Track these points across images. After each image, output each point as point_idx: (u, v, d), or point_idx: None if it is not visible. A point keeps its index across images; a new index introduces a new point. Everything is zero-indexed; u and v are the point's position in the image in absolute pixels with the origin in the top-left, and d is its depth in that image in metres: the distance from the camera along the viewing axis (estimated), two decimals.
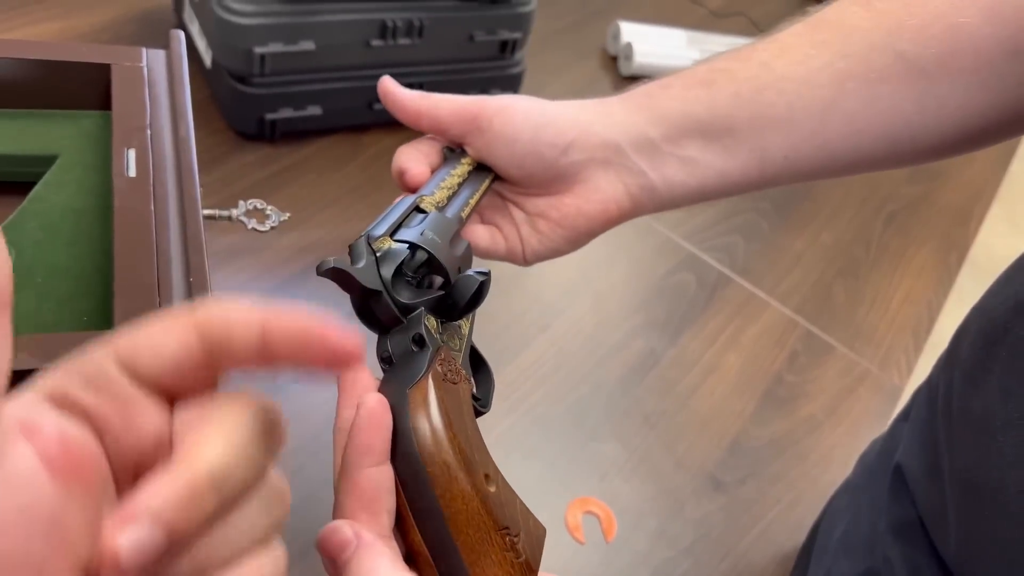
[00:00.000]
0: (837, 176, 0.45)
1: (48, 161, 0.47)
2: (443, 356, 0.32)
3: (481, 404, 0.35)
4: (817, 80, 0.41)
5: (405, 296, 0.33)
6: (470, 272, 0.33)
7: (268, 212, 0.48)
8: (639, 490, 0.68)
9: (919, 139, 0.42)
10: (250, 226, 0.48)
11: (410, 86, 0.95)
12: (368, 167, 0.86)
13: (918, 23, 0.40)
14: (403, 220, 0.36)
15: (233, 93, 0.80)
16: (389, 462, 0.29)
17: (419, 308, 0.33)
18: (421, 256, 0.34)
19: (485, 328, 0.75)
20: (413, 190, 0.40)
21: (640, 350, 0.79)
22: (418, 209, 0.37)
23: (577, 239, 0.43)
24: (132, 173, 0.43)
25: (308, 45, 0.78)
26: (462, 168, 0.42)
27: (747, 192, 0.44)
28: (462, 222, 0.39)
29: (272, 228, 0.48)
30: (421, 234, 0.34)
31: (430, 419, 0.29)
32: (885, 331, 0.90)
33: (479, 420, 0.34)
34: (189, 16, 0.85)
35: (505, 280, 0.80)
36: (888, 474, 0.49)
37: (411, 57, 0.84)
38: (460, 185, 0.41)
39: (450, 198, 0.40)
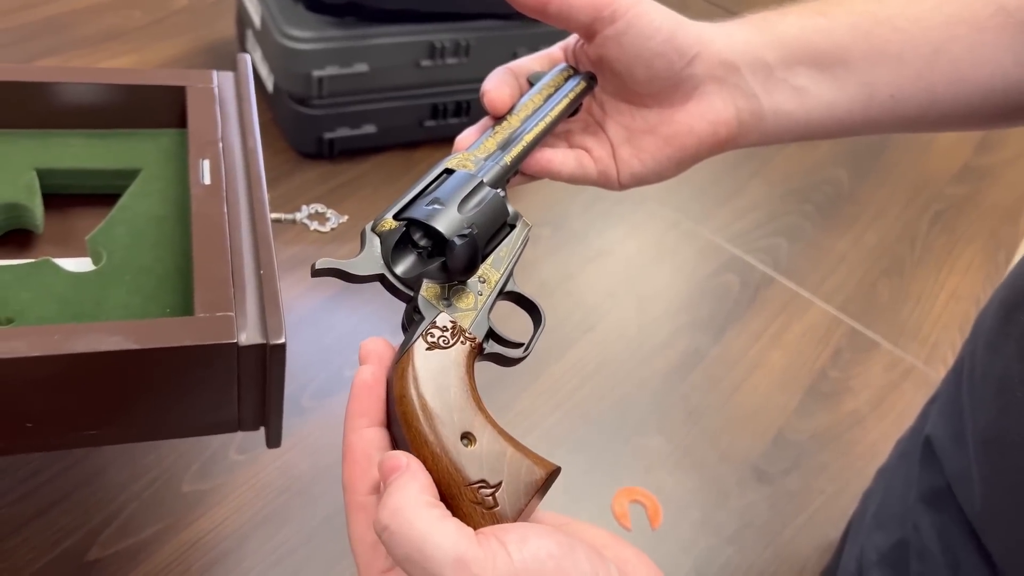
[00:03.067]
0: (932, 128, 0.44)
1: (132, 174, 0.52)
2: (438, 323, 0.34)
3: (515, 349, 0.36)
4: (929, 21, 0.41)
5: (406, 270, 0.35)
6: (453, 238, 0.33)
7: (328, 215, 0.53)
8: (683, 481, 0.71)
9: (1011, 94, 0.42)
10: (312, 227, 0.52)
11: (458, 104, 0.99)
12: None
13: None
14: (424, 189, 0.37)
15: (294, 115, 0.85)
16: (381, 426, 0.32)
17: (421, 280, 0.34)
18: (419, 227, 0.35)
19: (530, 327, 0.79)
20: (495, 115, 0.40)
21: (684, 349, 0.81)
22: (448, 171, 0.38)
23: (682, 160, 0.42)
24: (207, 181, 0.48)
25: (362, 67, 0.83)
26: (551, 84, 0.41)
27: (848, 135, 0.44)
28: (507, 168, 0.39)
29: (332, 229, 0.52)
30: (426, 205, 0.35)
31: (405, 389, 0.32)
32: (931, 327, 0.91)
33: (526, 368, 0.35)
34: (252, 45, 0.91)
35: (552, 284, 0.84)
36: (919, 449, 0.51)
37: (459, 76, 0.88)
38: (543, 104, 0.40)
39: (512, 134, 0.40)
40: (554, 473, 0.32)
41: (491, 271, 0.37)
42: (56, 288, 0.45)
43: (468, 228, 0.34)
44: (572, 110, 0.42)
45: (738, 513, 0.69)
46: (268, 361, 0.41)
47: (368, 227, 0.35)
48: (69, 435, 0.42)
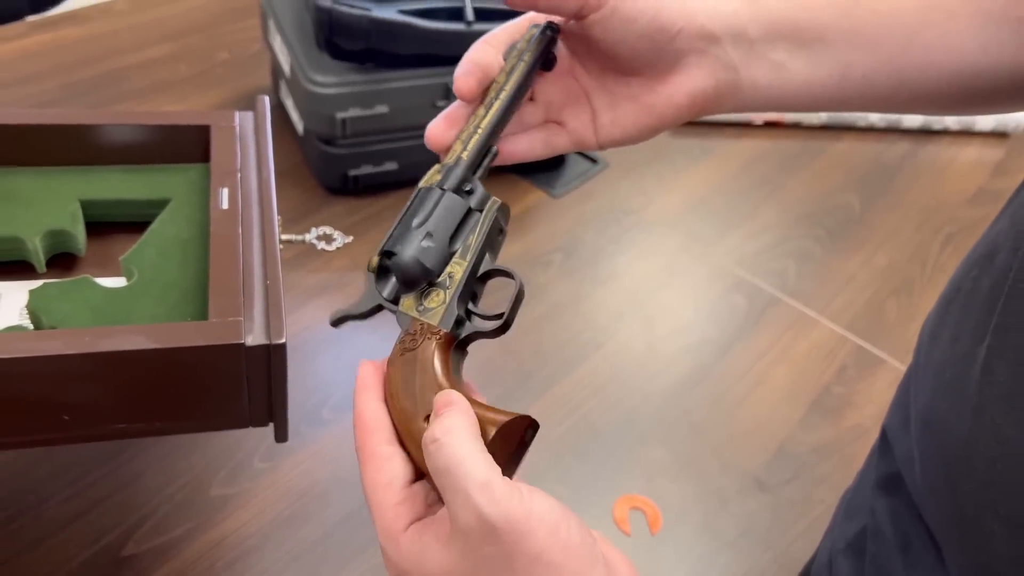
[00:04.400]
0: (900, 109, 0.47)
1: (163, 203, 0.59)
2: (408, 329, 0.39)
3: (493, 321, 0.40)
4: (905, 5, 0.43)
5: (388, 293, 0.41)
6: (393, 255, 0.39)
7: (335, 236, 0.58)
8: (685, 489, 0.74)
9: (976, 82, 0.44)
10: (319, 247, 0.58)
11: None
12: None
13: None
14: (402, 217, 0.41)
15: (321, 154, 0.92)
16: (383, 401, 0.39)
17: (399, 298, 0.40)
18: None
19: (543, 346, 0.83)
20: (463, 100, 0.41)
21: (689, 365, 0.85)
22: (417, 192, 0.42)
23: (658, 128, 0.44)
24: (225, 206, 0.54)
25: (382, 109, 0.90)
26: (515, 55, 0.42)
27: (818, 110, 0.45)
28: (468, 166, 0.41)
29: (337, 249, 0.57)
30: (393, 231, 0.41)
31: (387, 393, 0.39)
32: None
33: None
34: (285, 93, 0.99)
35: (563, 305, 0.88)
36: (878, 441, 0.53)
37: None
38: (505, 81, 0.42)
39: (475, 125, 0.42)
40: (507, 426, 0.36)
41: (458, 264, 0.41)
42: (92, 301, 0.51)
43: (405, 242, 0.39)
44: (540, 65, 0.43)
45: (738, 519, 0.72)
46: (271, 359, 0.47)
47: (367, 274, 0.41)
48: (101, 427, 0.48)
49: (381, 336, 0.82)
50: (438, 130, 0.42)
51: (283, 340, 0.46)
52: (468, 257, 0.40)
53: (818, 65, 0.44)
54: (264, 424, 0.51)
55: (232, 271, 0.50)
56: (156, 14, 1.20)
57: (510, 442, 0.37)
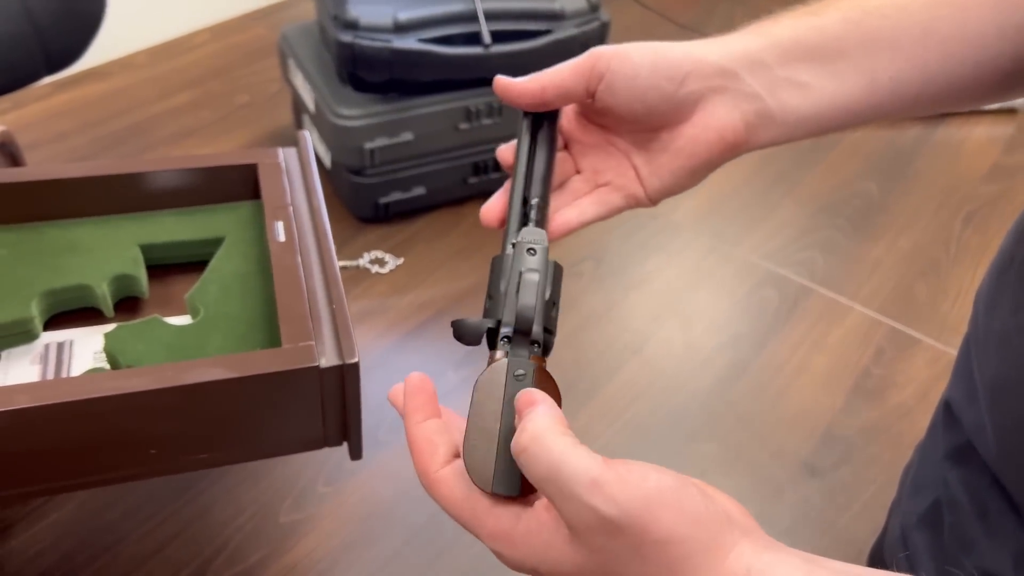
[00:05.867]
0: (932, 108, 0.47)
1: (218, 242, 0.61)
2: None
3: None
4: (913, 5, 0.45)
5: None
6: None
7: (387, 260, 0.60)
8: (738, 482, 0.75)
9: (1000, 64, 0.45)
10: (373, 271, 0.60)
11: (496, 160, 1.07)
12: (469, 233, 0.98)
13: None
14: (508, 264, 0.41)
15: (351, 185, 0.94)
16: (435, 417, 0.38)
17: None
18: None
19: (582, 356, 0.85)
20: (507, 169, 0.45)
21: (729, 361, 0.86)
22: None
23: (697, 169, 0.45)
24: (282, 239, 0.57)
25: (408, 136, 0.92)
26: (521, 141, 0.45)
27: (857, 124, 0.46)
28: (512, 232, 0.42)
29: (391, 271, 0.59)
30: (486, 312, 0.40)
31: None
32: None
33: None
34: (308, 128, 1.01)
35: (598, 312, 0.90)
36: (941, 414, 0.55)
37: (494, 135, 0.97)
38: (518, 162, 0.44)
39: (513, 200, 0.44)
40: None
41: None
42: (164, 339, 0.53)
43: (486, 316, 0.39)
44: (548, 144, 0.46)
45: (792, 506, 0.73)
46: (345, 379, 0.49)
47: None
48: (185, 458, 0.50)
49: (425, 357, 0.85)
50: (487, 211, 0.45)
51: (356, 359, 0.48)
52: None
53: (844, 78, 0.44)
54: (339, 443, 0.53)
55: (298, 299, 0.52)
56: (175, 64, 1.23)
57: None
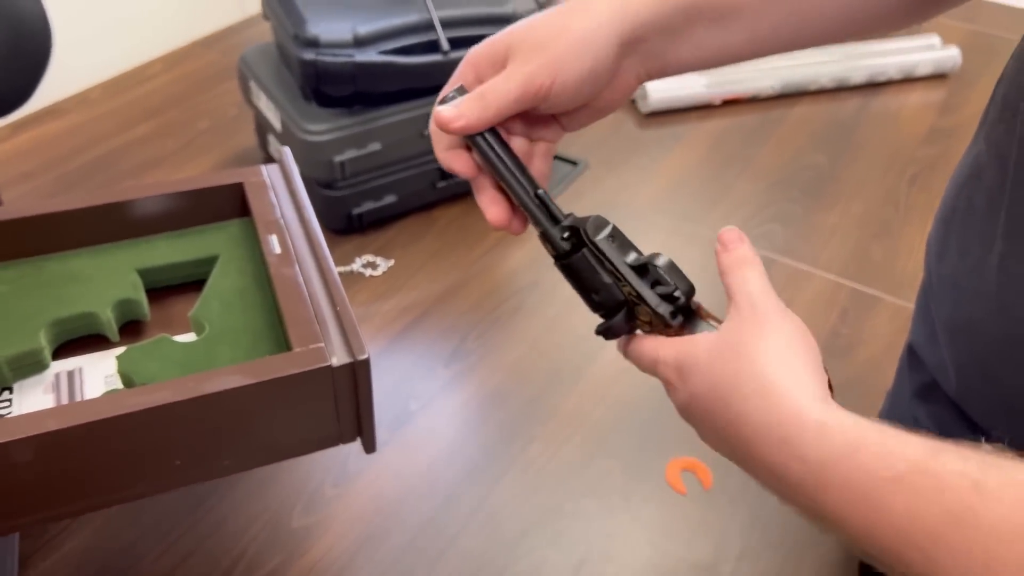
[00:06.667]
0: (805, 45, 0.51)
1: (213, 260, 0.63)
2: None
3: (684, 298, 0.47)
4: None
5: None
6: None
7: (378, 263, 0.63)
8: None
9: (868, 5, 0.49)
10: (367, 274, 0.62)
11: None
12: (442, 235, 1.01)
13: None
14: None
15: (323, 198, 0.97)
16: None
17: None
18: None
19: (566, 340, 0.88)
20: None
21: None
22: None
23: (605, 115, 0.50)
24: (277, 251, 0.59)
25: (375, 146, 0.95)
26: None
27: (729, 63, 0.50)
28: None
29: (384, 273, 0.62)
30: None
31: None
32: None
33: None
34: (275, 147, 1.03)
35: (574, 300, 0.93)
36: (906, 357, 0.59)
37: None
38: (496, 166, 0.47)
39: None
40: None
41: (624, 285, 0.46)
42: (175, 356, 0.55)
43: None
44: (502, 142, 0.48)
45: None
46: (357, 375, 0.51)
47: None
48: (210, 466, 0.52)
49: (415, 357, 0.87)
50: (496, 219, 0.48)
51: (366, 355, 0.51)
52: (621, 275, 0.45)
53: (733, 33, 0.48)
54: (353, 439, 0.55)
55: (302, 305, 0.54)
56: (131, 95, 1.24)
57: None
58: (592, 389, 0.84)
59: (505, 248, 1.00)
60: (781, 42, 0.50)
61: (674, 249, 1.03)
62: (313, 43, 0.89)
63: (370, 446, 0.55)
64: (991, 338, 0.45)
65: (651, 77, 0.49)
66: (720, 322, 0.44)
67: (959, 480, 0.31)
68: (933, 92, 1.33)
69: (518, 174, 0.47)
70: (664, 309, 0.45)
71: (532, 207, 0.46)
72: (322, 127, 0.92)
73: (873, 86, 1.33)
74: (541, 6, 0.98)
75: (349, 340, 0.52)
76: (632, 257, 0.46)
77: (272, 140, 1.03)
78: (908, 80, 1.34)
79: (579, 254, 0.46)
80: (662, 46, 0.47)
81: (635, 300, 0.45)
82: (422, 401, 0.82)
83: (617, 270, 0.45)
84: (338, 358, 0.51)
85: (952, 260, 0.51)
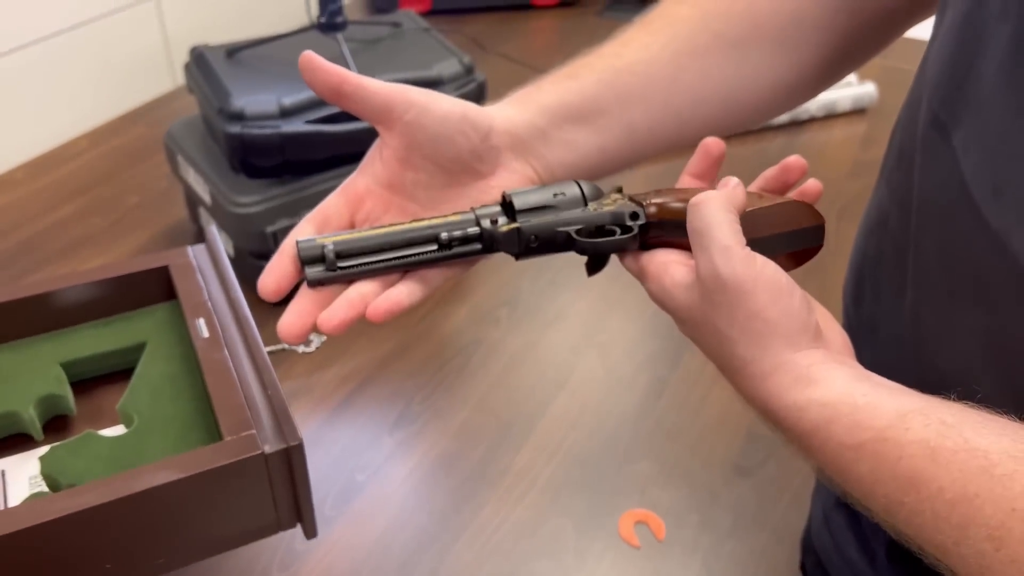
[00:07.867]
0: (690, 144, 0.52)
1: (140, 347, 0.61)
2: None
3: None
4: (659, 59, 0.50)
5: None
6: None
7: (310, 338, 0.62)
8: (676, 493, 0.79)
9: (747, 100, 0.52)
10: (300, 351, 0.61)
11: None
12: None
13: (724, 8, 0.51)
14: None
15: (258, 270, 0.95)
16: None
17: None
18: None
19: (513, 396, 0.88)
20: None
21: (649, 380, 0.90)
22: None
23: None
24: (205, 335, 0.58)
25: (307, 215, 0.94)
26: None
27: (623, 169, 0.53)
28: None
29: (316, 349, 0.61)
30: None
31: None
32: None
33: None
34: (206, 220, 1.02)
35: (520, 355, 0.93)
36: None
37: None
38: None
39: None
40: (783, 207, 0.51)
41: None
42: (102, 452, 0.53)
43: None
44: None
45: (729, 508, 0.77)
46: (292, 461, 0.50)
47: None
48: (142, 568, 0.50)
49: (358, 427, 0.86)
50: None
51: (299, 440, 0.49)
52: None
53: (605, 133, 0.50)
54: (293, 525, 0.54)
55: (232, 390, 0.53)
56: (56, 174, 1.22)
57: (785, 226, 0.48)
58: (543, 444, 0.83)
59: (446, 306, 1.00)
60: (664, 139, 0.52)
61: (613, 298, 1.04)
62: (239, 116, 0.88)
63: (311, 531, 0.54)
64: (911, 384, 0.46)
65: (545, 174, 0.50)
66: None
67: (917, 449, 0.34)
68: (853, 126, 1.38)
69: (408, 225, 0.47)
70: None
71: (439, 250, 0.46)
72: (252, 199, 0.91)
73: (796, 124, 1.37)
74: (467, 69, 0.99)
75: (281, 424, 0.51)
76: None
77: (203, 213, 1.02)
78: (829, 116, 1.39)
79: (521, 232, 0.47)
80: (537, 145, 0.49)
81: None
82: (368, 472, 0.80)
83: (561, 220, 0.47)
84: (271, 444, 0.50)
85: (868, 305, 0.52)
